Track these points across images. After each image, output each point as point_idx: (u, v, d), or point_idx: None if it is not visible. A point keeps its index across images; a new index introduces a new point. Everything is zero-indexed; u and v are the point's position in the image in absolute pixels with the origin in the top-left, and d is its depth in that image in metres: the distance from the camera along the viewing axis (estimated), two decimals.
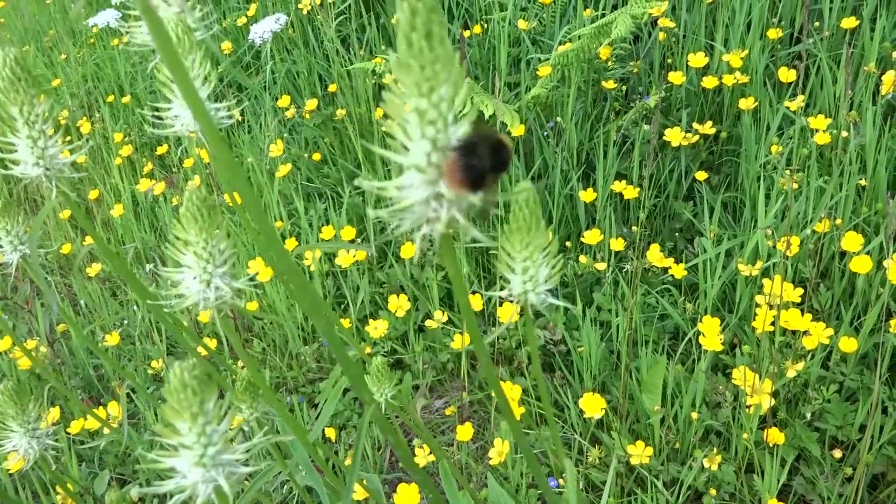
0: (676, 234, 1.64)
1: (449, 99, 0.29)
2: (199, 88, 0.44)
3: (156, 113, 0.45)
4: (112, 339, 1.61)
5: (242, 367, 1.39)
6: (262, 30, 2.16)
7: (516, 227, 0.46)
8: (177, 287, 0.41)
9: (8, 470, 1.29)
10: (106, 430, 1.12)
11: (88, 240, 2.19)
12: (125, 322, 1.70)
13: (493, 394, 1.49)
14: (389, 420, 1.61)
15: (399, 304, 1.52)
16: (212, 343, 1.62)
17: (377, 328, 1.44)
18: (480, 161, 0.30)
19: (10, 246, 0.61)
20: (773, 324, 1.16)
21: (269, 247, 0.31)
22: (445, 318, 1.47)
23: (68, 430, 1.27)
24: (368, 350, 1.60)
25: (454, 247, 0.35)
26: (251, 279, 0.49)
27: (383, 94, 0.30)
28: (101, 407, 1.68)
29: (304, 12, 2.34)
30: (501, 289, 0.48)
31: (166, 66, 0.27)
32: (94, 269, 2.00)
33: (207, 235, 0.40)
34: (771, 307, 1.16)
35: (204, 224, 0.40)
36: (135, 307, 1.78)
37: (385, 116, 0.29)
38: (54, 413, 1.10)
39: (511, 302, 0.47)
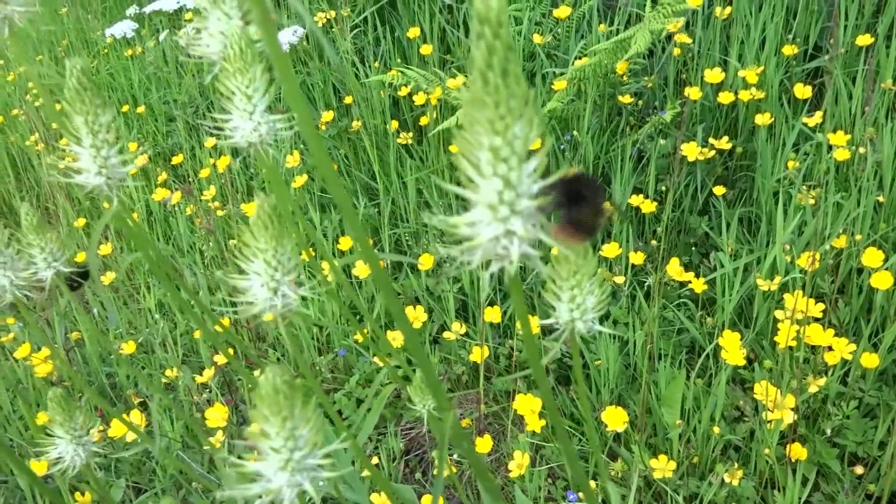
0: (692, 248, 1.65)
1: (523, 137, 0.29)
2: (260, 99, 0.45)
3: (216, 124, 0.46)
4: (128, 348, 1.61)
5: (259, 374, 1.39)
6: (280, 42, 2.17)
7: (564, 257, 0.45)
8: (244, 294, 0.42)
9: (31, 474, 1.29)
10: (129, 438, 1.12)
11: (104, 249, 2.19)
12: (148, 331, 1.71)
13: (509, 406, 1.49)
14: (412, 432, 1.61)
15: (415, 316, 1.53)
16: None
17: (395, 339, 1.45)
18: (580, 210, 0.30)
19: (45, 263, 0.62)
20: (794, 339, 1.16)
21: (359, 249, 0.32)
22: (463, 330, 1.47)
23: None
24: (382, 362, 1.60)
25: (521, 284, 0.35)
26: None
27: (454, 132, 0.30)
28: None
29: (320, 25, 2.36)
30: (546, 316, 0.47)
31: (280, 76, 0.27)
32: (107, 277, 2.00)
33: (277, 243, 0.41)
34: (792, 322, 1.17)
35: (274, 232, 0.40)
36: (154, 316, 1.78)
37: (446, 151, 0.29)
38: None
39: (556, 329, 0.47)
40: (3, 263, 0.56)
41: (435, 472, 1.39)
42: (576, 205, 0.32)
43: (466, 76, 1.95)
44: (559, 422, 0.42)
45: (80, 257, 2.22)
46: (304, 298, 1.77)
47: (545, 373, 1.49)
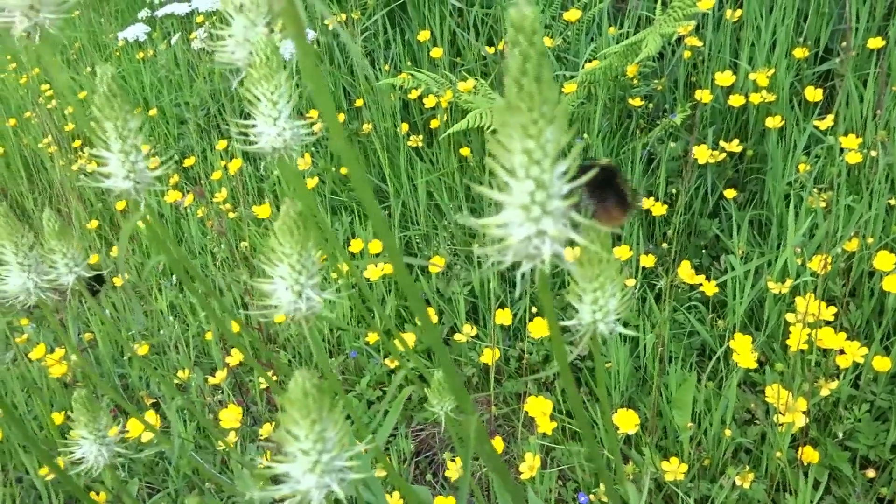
0: (703, 251, 1.65)
1: (555, 140, 0.30)
2: (285, 105, 0.46)
3: (241, 130, 0.47)
4: (141, 350, 1.63)
5: (272, 375, 1.40)
6: (291, 45, 2.19)
7: (587, 260, 0.46)
8: (269, 298, 0.43)
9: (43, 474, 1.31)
10: (144, 439, 1.13)
11: (114, 251, 2.21)
12: (162, 332, 1.72)
13: (521, 408, 1.50)
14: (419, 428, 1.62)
15: None
16: (239, 356, 1.62)
17: (408, 340, 1.46)
18: (612, 195, 0.32)
19: (66, 268, 0.63)
20: (806, 342, 1.17)
21: (387, 254, 0.32)
22: (474, 333, 1.48)
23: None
24: (392, 364, 1.61)
25: (549, 285, 0.36)
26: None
27: (488, 136, 0.31)
28: (126, 417, 1.70)
29: (330, 28, 2.37)
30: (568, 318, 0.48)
31: (310, 86, 0.28)
32: (119, 279, 2.02)
33: (302, 248, 0.42)
34: (804, 325, 1.17)
35: (299, 237, 0.41)
36: (168, 318, 1.79)
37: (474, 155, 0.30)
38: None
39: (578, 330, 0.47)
40: (28, 266, 0.57)
41: (445, 473, 1.40)
42: (607, 191, 0.33)
43: (477, 80, 1.94)
44: (586, 426, 0.42)
45: (94, 259, 2.23)
46: None
47: (558, 375, 1.49)
